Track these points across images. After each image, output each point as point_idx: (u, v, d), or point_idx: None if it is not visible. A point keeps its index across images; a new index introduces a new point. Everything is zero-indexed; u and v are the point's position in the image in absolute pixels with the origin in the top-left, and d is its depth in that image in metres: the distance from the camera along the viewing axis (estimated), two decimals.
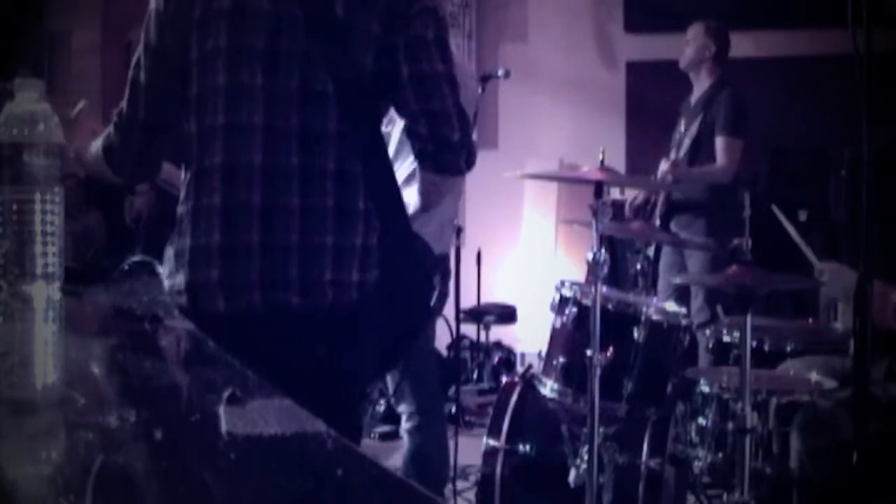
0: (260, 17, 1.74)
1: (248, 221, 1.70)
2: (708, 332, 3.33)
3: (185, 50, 1.77)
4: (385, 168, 1.84)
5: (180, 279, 1.74)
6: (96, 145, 1.97)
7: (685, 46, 4.56)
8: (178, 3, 1.78)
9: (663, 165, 4.44)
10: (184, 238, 1.76)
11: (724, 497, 2.77)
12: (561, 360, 2.91)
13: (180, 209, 1.79)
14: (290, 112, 1.73)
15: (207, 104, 1.75)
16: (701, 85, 4.55)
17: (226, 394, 0.87)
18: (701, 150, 4.44)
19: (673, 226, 4.54)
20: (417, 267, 1.87)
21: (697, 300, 4.30)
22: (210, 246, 1.72)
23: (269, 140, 1.72)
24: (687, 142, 4.48)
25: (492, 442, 3.02)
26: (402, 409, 3.16)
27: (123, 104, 1.89)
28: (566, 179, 3.69)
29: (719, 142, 4.39)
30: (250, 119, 1.72)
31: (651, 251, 4.76)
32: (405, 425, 3.13)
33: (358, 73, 1.77)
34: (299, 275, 1.71)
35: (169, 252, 1.80)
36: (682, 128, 4.62)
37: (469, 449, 3.77)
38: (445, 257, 3.26)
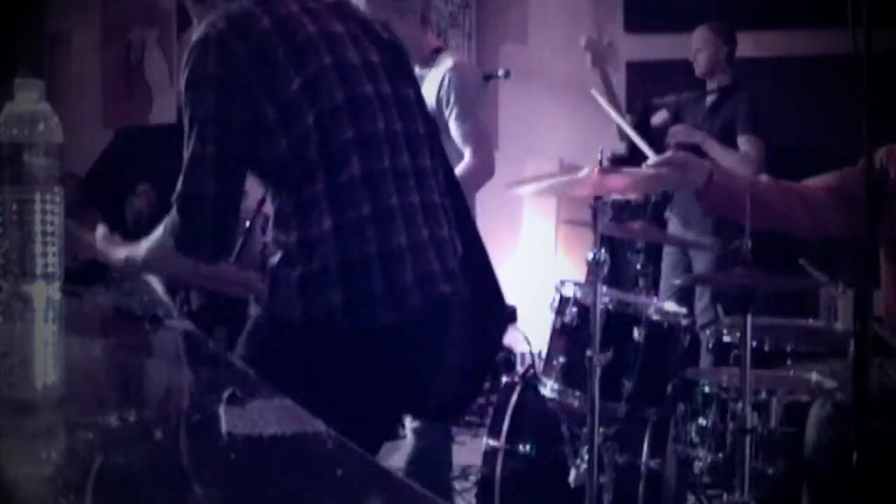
0: (358, 68, 1.83)
1: (402, 263, 1.78)
2: (708, 332, 3.33)
3: (294, 117, 1.76)
4: (463, 201, 2.00)
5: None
6: (152, 242, 1.90)
7: (696, 53, 4.55)
8: (266, 72, 1.75)
9: (682, 130, 4.42)
10: (334, 292, 1.74)
11: (724, 497, 2.77)
12: (561, 360, 2.91)
13: (310, 267, 1.75)
14: (403, 153, 1.85)
15: (337, 160, 1.77)
16: (715, 87, 4.55)
17: (226, 394, 0.88)
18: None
19: (680, 224, 4.53)
20: (496, 301, 2.01)
21: (703, 301, 4.29)
22: (373, 292, 1.75)
23: (398, 182, 1.82)
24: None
25: (492, 442, 3.02)
26: None
27: (182, 186, 1.80)
28: (562, 184, 3.64)
29: (743, 140, 4.37)
30: (381, 165, 1.81)
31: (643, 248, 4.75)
32: (411, 424, 3.13)
33: (428, 115, 1.98)
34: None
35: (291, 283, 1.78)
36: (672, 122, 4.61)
37: (469, 449, 3.77)
38: None
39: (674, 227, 4.56)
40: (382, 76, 1.86)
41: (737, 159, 4.33)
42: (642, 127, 4.54)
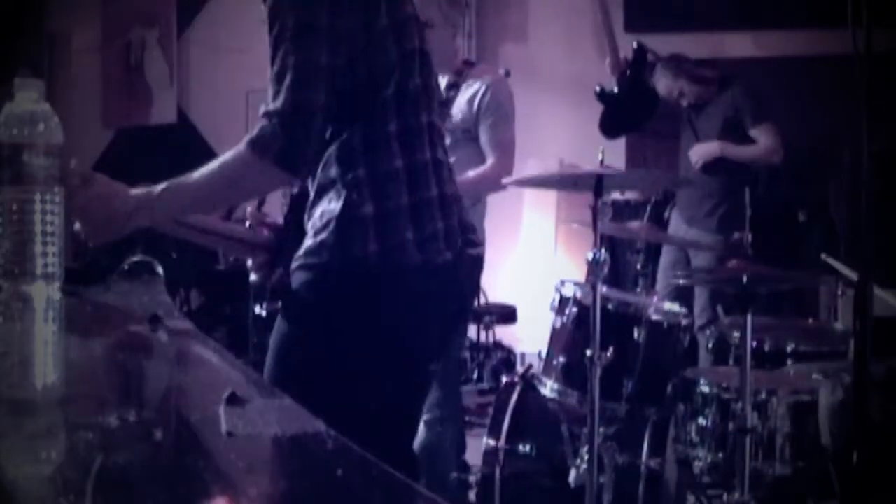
0: (414, 22, 1.87)
1: (451, 209, 1.87)
2: (708, 332, 3.33)
3: (380, 51, 1.77)
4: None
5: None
6: (210, 172, 1.77)
7: (678, 98, 4.55)
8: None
9: (698, 149, 4.42)
10: (408, 230, 1.79)
11: (724, 497, 2.77)
12: (561, 360, 2.91)
13: (386, 204, 1.78)
14: (434, 108, 1.92)
15: (408, 104, 1.82)
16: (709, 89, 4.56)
17: (226, 394, 0.87)
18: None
19: (683, 221, 4.53)
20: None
21: (701, 300, 4.28)
22: (436, 231, 1.83)
23: (439, 135, 1.93)
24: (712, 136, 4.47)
25: (492, 442, 3.02)
26: None
27: (290, 94, 1.70)
28: (563, 182, 3.70)
29: (758, 130, 4.38)
30: (431, 116, 1.88)
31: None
32: (424, 416, 3.14)
33: None
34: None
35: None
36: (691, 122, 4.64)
37: (469, 449, 3.77)
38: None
39: (676, 224, 4.55)
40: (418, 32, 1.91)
41: (760, 152, 4.36)
42: (636, 69, 4.59)
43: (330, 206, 1.78)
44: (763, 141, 4.37)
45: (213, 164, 1.77)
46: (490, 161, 3.25)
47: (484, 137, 3.27)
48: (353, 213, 1.76)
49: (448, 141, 2.99)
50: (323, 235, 1.77)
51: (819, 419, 2.78)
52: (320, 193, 1.81)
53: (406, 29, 1.81)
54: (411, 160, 1.80)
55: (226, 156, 1.76)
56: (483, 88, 3.28)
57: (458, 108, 3.31)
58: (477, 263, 2.00)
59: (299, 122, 1.70)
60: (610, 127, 4.62)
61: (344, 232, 1.76)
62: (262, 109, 1.74)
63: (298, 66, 1.69)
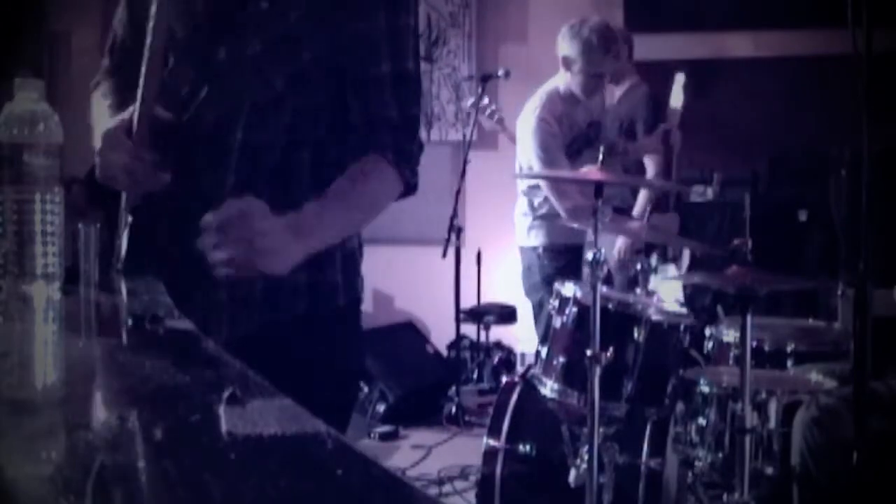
0: None
1: None
2: (709, 332, 3.33)
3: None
4: None
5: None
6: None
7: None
8: None
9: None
10: None
11: (724, 497, 2.77)
12: (561, 360, 2.91)
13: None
14: None
15: None
16: (621, 87, 4.61)
17: (226, 394, 0.87)
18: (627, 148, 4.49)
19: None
20: None
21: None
22: None
23: None
24: (614, 140, 4.51)
25: (492, 442, 3.02)
26: None
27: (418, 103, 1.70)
28: (566, 180, 3.71)
29: (646, 141, 4.46)
30: None
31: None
32: None
33: None
34: None
35: None
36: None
37: (469, 449, 3.77)
38: None
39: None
40: None
41: (653, 189, 4.41)
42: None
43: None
44: (651, 169, 4.44)
45: (350, 184, 1.56)
46: None
47: None
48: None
49: None
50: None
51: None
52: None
53: None
54: None
55: (367, 175, 1.58)
56: None
57: None
58: None
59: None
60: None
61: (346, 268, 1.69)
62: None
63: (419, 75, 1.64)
